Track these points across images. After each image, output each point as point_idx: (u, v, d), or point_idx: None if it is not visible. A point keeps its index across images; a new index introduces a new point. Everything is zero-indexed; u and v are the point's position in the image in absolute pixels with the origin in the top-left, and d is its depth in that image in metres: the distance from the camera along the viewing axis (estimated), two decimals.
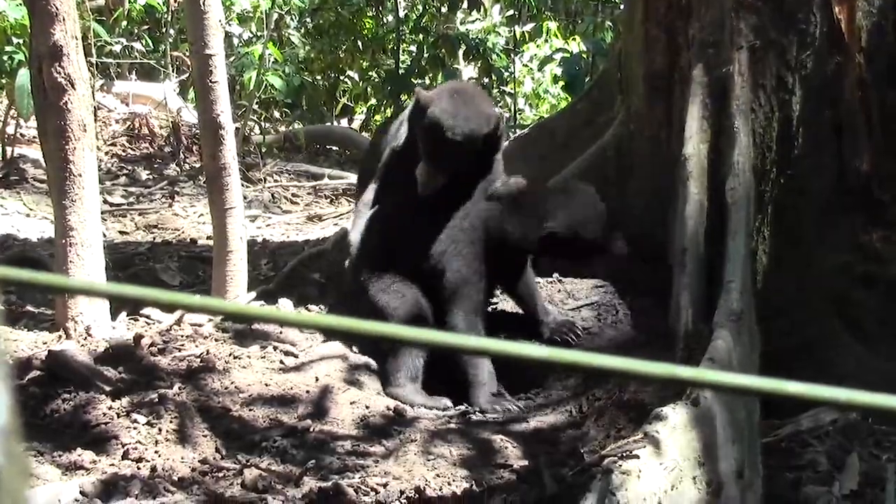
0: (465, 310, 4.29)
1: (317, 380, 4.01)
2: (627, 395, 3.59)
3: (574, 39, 11.41)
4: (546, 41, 11.70)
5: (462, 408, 4.17)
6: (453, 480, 3.33)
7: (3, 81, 7.69)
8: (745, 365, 3.38)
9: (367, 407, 3.89)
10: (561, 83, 10.19)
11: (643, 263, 4.57)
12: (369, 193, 4.68)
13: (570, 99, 9.48)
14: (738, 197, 4.05)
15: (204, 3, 4.74)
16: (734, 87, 4.36)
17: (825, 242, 4.34)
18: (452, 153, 4.29)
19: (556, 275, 4.88)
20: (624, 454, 2.66)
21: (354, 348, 4.36)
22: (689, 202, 4.11)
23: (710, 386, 0.99)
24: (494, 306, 4.69)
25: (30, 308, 4.95)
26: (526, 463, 3.45)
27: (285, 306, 4.81)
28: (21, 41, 7.30)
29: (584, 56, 9.47)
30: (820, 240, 4.35)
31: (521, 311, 4.58)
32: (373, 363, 4.32)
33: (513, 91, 11.11)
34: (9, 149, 8.38)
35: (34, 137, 7.40)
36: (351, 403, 3.90)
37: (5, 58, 7.48)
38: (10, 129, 8.53)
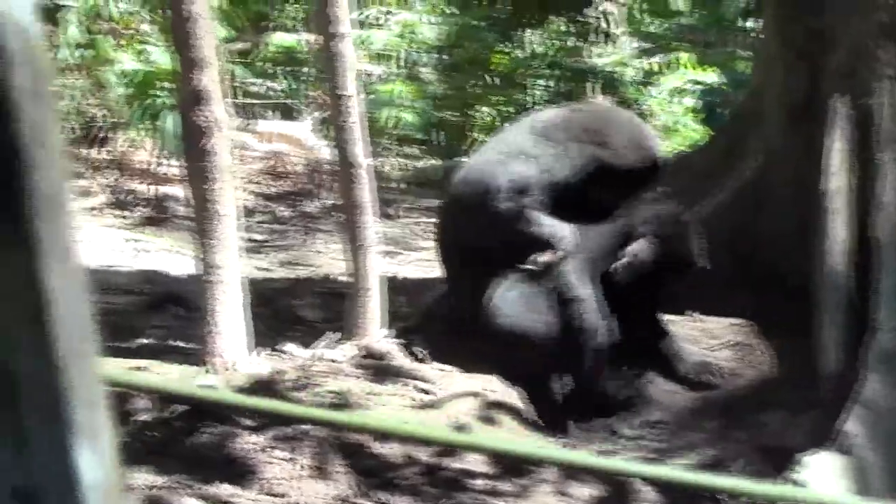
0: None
1: (452, 418, 4.01)
2: (769, 438, 3.49)
3: (710, 70, 11.25)
4: (680, 72, 11.56)
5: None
6: None
7: (153, 124, 7.97)
8: (893, 409, 3.26)
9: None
10: (693, 114, 10.06)
11: (785, 301, 4.45)
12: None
13: (705, 131, 9.35)
14: (885, 231, 3.93)
15: (338, 46, 4.83)
16: (878, 117, 4.24)
17: None
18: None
19: (694, 313, 4.79)
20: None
21: (491, 387, 4.36)
22: (832, 237, 4.01)
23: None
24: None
25: (176, 343, 5.09)
26: None
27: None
28: (169, 86, 7.56)
29: (723, 87, 9.32)
30: None
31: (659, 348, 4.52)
32: (507, 401, 4.31)
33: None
34: (157, 188, 8.66)
35: (181, 177, 7.65)
36: None
37: (155, 101, 7.75)
38: (158, 169, 8.82)
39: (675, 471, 2.38)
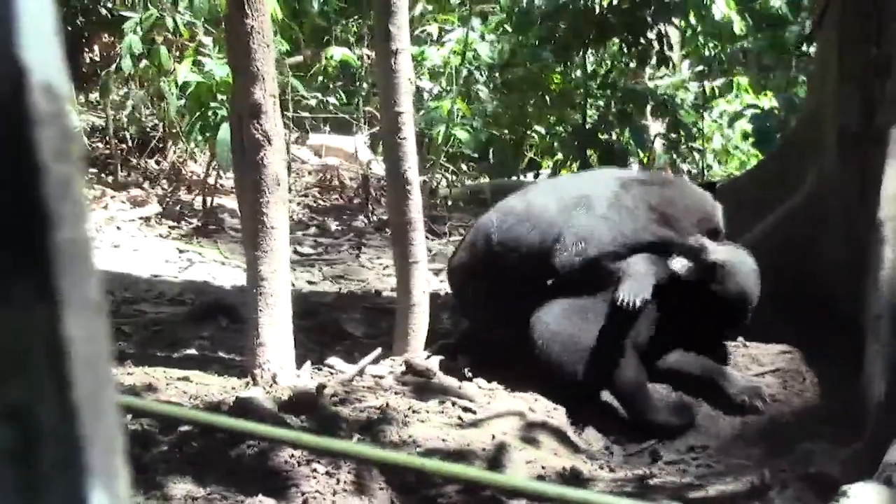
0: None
1: (493, 437, 4.00)
2: (813, 468, 3.44)
3: (766, 95, 11.17)
4: (736, 97, 11.49)
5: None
6: None
7: (208, 135, 8.06)
8: None
9: (543, 467, 3.87)
10: (751, 140, 9.99)
11: (834, 330, 4.40)
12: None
13: (760, 156, 9.28)
14: None
15: (395, 63, 4.85)
16: None
17: None
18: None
19: (740, 338, 4.75)
20: None
21: (534, 406, 4.35)
22: (884, 267, 3.95)
23: None
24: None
25: (221, 354, 5.14)
26: None
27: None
28: (225, 98, 7.64)
29: (777, 112, 9.25)
30: None
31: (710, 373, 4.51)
32: (551, 421, 4.29)
33: (702, 147, 10.93)
34: (209, 199, 8.76)
35: (233, 189, 7.72)
36: (527, 462, 3.88)
37: (210, 113, 7.84)
38: (210, 180, 8.92)
39: None
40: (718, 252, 4.44)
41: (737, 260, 4.46)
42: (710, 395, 4.36)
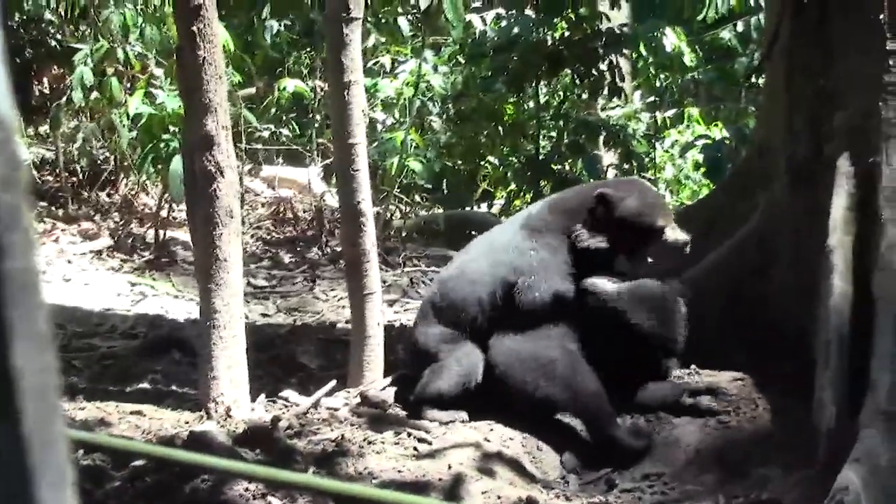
0: None
1: (450, 468, 3.99)
2: (767, 493, 3.47)
3: (716, 126, 11.31)
4: (687, 127, 11.63)
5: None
6: None
7: (160, 168, 8.02)
8: (893, 468, 3.24)
9: (499, 497, 3.85)
10: (702, 170, 10.09)
11: (784, 358, 4.44)
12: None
13: (711, 185, 9.37)
14: (886, 291, 3.92)
15: (348, 94, 4.86)
16: (882, 177, 4.24)
17: None
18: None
19: (693, 366, 4.78)
20: None
21: (489, 436, 4.35)
22: (833, 295, 4.00)
23: None
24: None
25: (174, 388, 5.09)
26: None
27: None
28: (177, 130, 7.62)
29: (728, 142, 9.37)
30: None
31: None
32: (506, 451, 4.29)
33: (654, 177, 11.04)
34: (161, 232, 8.70)
35: (185, 221, 7.68)
36: (483, 493, 3.86)
37: (162, 145, 7.81)
38: (163, 213, 8.86)
39: None
40: (606, 289, 4.49)
41: (634, 295, 4.51)
42: (674, 407, 4.43)
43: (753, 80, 9.32)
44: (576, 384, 4.40)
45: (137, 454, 3.22)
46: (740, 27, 10.92)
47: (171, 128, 7.79)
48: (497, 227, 5.31)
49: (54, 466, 0.67)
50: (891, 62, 4.36)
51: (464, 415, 4.50)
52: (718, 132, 10.73)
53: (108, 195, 9.72)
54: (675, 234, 4.57)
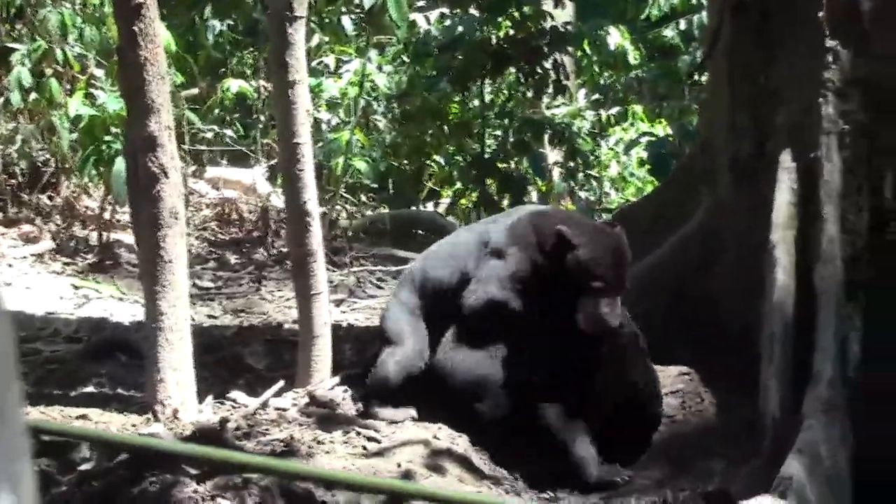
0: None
1: (399, 465, 3.99)
2: (713, 485, 3.51)
3: (660, 123, 11.41)
4: (632, 124, 11.73)
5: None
6: None
7: (102, 169, 7.92)
8: (835, 457, 3.29)
9: None
10: (647, 167, 10.18)
11: (730, 351, 4.49)
12: None
13: (655, 182, 9.46)
14: (828, 284, 3.98)
15: (292, 94, 4.84)
16: (822, 172, 4.31)
17: None
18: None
19: None
20: None
21: (438, 434, 4.35)
22: (776, 289, 4.05)
23: None
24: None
25: (120, 391, 5.04)
26: None
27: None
28: (119, 131, 7.54)
29: (671, 139, 9.46)
30: None
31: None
32: (455, 448, 4.29)
33: (598, 175, 11.13)
34: (104, 234, 8.60)
35: (129, 223, 7.60)
36: None
37: (104, 147, 7.71)
38: (106, 215, 8.76)
39: None
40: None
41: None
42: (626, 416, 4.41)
43: (696, 77, 9.43)
44: (540, 416, 4.30)
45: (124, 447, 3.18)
46: (683, 25, 11.03)
47: (113, 129, 7.70)
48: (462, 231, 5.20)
49: (9, 439, 0.66)
50: (830, 59, 4.42)
51: (413, 412, 4.49)
52: (662, 129, 10.84)
53: (50, 198, 9.58)
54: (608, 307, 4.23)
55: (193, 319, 5.58)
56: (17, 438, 0.68)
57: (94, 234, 8.74)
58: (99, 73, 8.44)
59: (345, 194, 10.40)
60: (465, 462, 4.25)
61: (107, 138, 7.72)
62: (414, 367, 4.58)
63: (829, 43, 4.43)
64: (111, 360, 5.54)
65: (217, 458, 2.00)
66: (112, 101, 7.59)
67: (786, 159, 4.46)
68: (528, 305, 4.38)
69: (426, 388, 4.58)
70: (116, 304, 7.22)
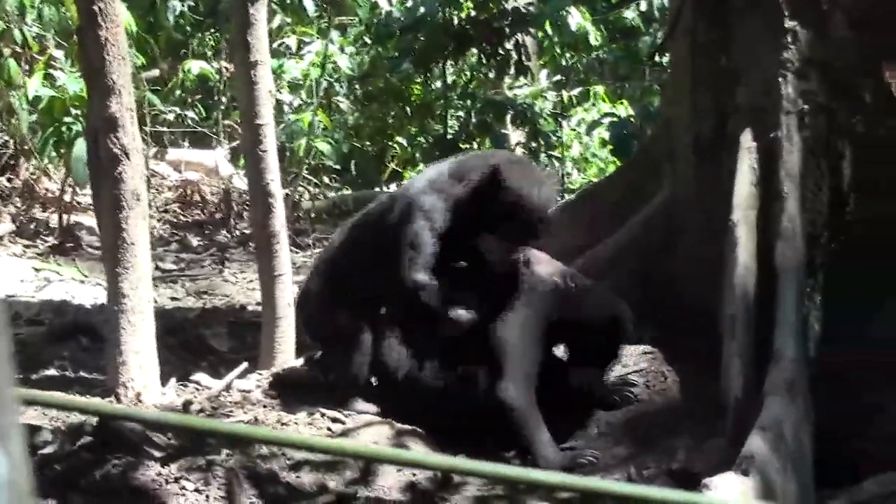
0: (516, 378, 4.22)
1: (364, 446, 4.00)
2: (677, 463, 3.54)
3: (622, 104, 11.44)
4: (594, 105, 11.74)
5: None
6: None
7: (62, 151, 7.84)
8: (797, 434, 3.33)
9: (414, 474, 3.88)
10: (609, 147, 10.21)
11: (693, 330, 4.53)
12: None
13: (618, 163, 9.49)
14: (789, 263, 4.02)
15: (255, 74, 4.82)
16: (783, 152, 4.34)
17: (881, 309, 4.27)
18: (534, 224, 4.26)
19: None
20: None
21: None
22: (738, 268, 4.09)
23: None
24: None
25: (82, 374, 5.01)
26: None
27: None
28: (79, 112, 7.46)
29: (633, 120, 9.48)
30: (875, 306, 4.27)
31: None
32: (419, 429, 4.30)
33: (560, 155, 11.14)
34: (65, 216, 8.52)
35: (90, 205, 7.53)
36: (398, 470, 3.88)
37: (64, 128, 7.63)
38: (66, 197, 8.68)
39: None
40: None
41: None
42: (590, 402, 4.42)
43: (657, 58, 9.46)
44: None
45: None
46: (643, 7, 11.05)
47: (73, 110, 7.62)
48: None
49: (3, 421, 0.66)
50: (789, 40, 4.46)
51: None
52: (624, 110, 10.86)
53: (9, 180, 9.48)
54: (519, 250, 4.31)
55: (156, 302, 5.55)
56: (3, 392, 0.68)
57: (55, 217, 8.66)
58: (58, 53, 8.34)
59: (307, 176, 10.36)
60: (430, 441, 4.27)
61: (67, 120, 7.64)
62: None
63: (788, 24, 4.46)
64: (73, 343, 5.51)
65: (192, 425, 2.00)
66: (72, 82, 7.51)
67: (746, 139, 4.49)
68: (450, 260, 4.35)
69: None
70: (78, 287, 7.16)
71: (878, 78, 4.33)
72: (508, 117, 10.47)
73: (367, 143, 11.44)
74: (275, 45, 10.42)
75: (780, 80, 4.43)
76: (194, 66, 10.14)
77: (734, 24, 4.70)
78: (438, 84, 10.72)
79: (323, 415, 4.29)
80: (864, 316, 4.24)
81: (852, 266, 4.30)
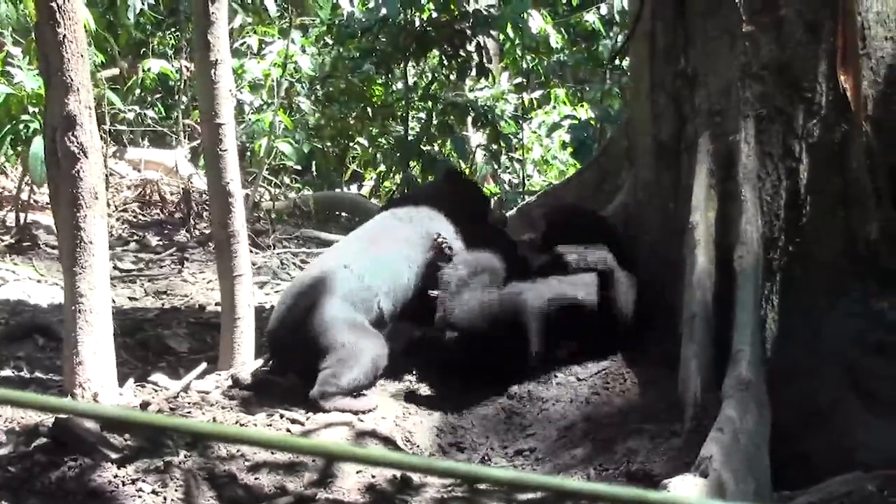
0: None
1: None
2: (635, 465, 3.56)
3: (582, 106, 11.49)
4: (554, 108, 11.79)
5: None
6: None
7: (19, 149, 7.75)
8: (754, 435, 3.36)
9: (373, 476, 3.87)
10: (569, 149, 10.25)
11: (652, 331, 4.55)
12: None
13: (578, 165, 9.53)
14: (746, 265, 4.05)
15: (215, 73, 4.79)
16: (741, 155, 4.38)
17: (836, 310, 4.32)
18: None
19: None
20: None
21: (362, 416, 4.35)
22: (696, 270, 4.12)
23: None
24: None
25: (38, 374, 4.95)
26: None
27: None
28: (37, 110, 7.38)
29: (592, 123, 9.52)
30: (830, 308, 4.32)
31: None
32: (379, 430, 4.30)
33: (521, 157, 11.17)
34: (22, 215, 8.43)
35: (47, 204, 7.45)
36: (357, 472, 3.88)
37: (21, 126, 7.55)
38: (23, 196, 8.59)
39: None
40: None
41: None
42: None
43: (617, 62, 9.51)
44: None
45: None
46: (604, 10, 11.12)
47: (31, 108, 7.54)
48: None
49: None
50: (747, 44, 4.49)
51: (373, 403, 4.48)
52: (584, 113, 10.91)
53: None
54: None
55: (114, 302, 5.50)
56: None
57: (12, 215, 8.56)
58: (16, 50, 8.25)
59: (268, 176, 10.32)
60: (389, 443, 4.26)
61: (24, 117, 7.55)
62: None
63: (746, 28, 4.50)
64: (29, 343, 5.45)
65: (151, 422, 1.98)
66: (30, 80, 7.43)
67: (705, 142, 4.53)
68: None
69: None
70: (35, 287, 7.08)
71: (834, 83, 4.38)
72: (469, 119, 10.49)
73: (328, 143, 11.41)
74: (236, 44, 10.38)
75: (738, 83, 4.47)
76: (154, 65, 10.07)
77: (693, 27, 4.74)
78: (400, 85, 10.72)
79: (282, 416, 4.28)
80: (818, 317, 4.29)
81: (808, 267, 4.34)
